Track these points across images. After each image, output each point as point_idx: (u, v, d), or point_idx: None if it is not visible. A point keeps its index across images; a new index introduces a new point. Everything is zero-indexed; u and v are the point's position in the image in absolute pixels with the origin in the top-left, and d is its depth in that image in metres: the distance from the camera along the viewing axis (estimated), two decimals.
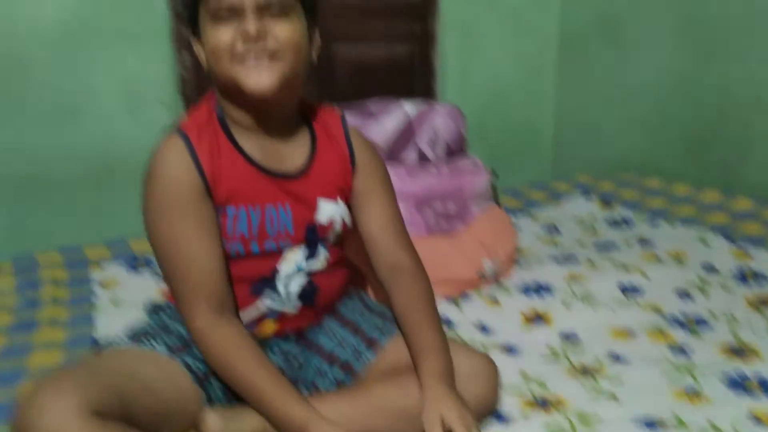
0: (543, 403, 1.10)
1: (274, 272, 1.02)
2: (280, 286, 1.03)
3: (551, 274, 1.58)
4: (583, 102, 2.71)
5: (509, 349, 1.28)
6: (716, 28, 2.14)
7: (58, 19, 2.05)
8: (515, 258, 1.65)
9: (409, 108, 1.58)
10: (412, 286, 1.05)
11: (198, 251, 0.95)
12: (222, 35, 0.92)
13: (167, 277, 0.99)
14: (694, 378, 1.16)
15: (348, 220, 1.08)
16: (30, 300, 1.49)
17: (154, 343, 0.98)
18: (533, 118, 2.85)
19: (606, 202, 2.11)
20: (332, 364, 1.07)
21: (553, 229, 1.95)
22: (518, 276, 1.59)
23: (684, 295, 1.48)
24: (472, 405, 0.95)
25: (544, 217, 2.04)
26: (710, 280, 1.54)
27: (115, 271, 1.65)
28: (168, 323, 1.04)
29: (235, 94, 0.96)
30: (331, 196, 1.05)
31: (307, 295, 1.05)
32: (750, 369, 1.17)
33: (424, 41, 2.55)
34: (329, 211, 1.05)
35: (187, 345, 0.99)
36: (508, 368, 1.17)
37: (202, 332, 0.94)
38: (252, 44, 0.91)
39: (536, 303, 1.46)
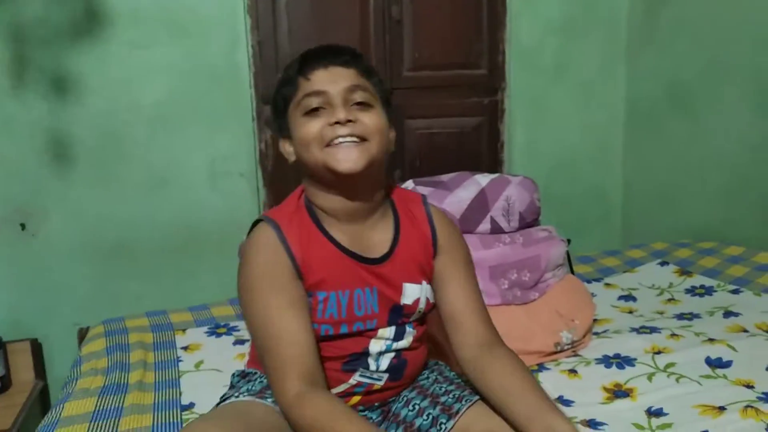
0: None
1: (365, 350, 1.06)
2: (371, 363, 1.06)
3: (631, 345, 1.53)
4: (652, 170, 2.68)
5: (591, 424, 1.25)
6: None
7: (154, 101, 2.24)
8: (592, 328, 1.62)
9: (482, 179, 1.62)
10: (507, 358, 1.04)
11: (289, 327, 0.97)
12: (312, 126, 1.00)
13: (261, 353, 1.01)
14: None
15: (431, 298, 1.11)
16: (120, 363, 1.56)
17: (268, 399, 1.03)
18: (601, 187, 2.83)
19: (684, 270, 2.05)
20: None
21: (629, 297, 1.91)
22: (597, 347, 1.55)
23: None
24: None
25: (619, 284, 2.00)
26: None
27: (198, 336, 1.71)
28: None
29: (325, 179, 1.02)
30: (415, 280, 1.08)
31: (396, 369, 1.09)
32: None
33: (492, 113, 2.62)
34: (414, 293, 1.08)
35: None
36: None
37: (293, 405, 0.94)
38: (341, 127, 0.98)
39: (617, 375, 1.42)
